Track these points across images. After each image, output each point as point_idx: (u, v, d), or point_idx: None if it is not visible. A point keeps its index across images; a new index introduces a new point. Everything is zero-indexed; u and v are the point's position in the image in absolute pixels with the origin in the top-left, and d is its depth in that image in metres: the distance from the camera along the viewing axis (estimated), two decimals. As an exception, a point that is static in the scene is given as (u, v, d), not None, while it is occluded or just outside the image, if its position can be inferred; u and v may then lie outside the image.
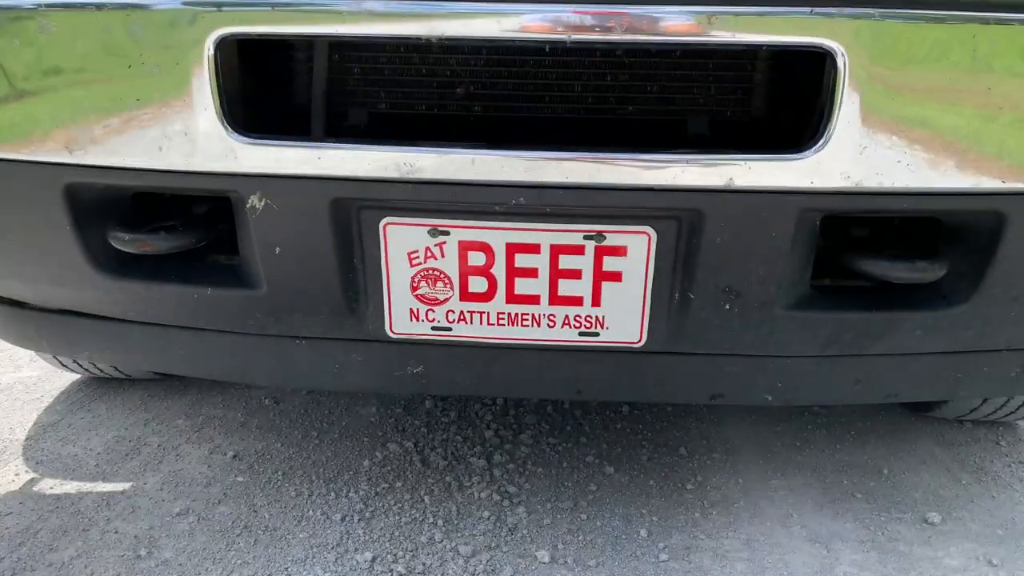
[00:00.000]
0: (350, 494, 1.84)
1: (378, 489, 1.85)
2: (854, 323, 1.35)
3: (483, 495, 1.83)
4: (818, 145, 1.16)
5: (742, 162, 1.18)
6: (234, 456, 2.01)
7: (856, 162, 1.17)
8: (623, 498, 1.85)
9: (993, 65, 1.13)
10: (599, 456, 2.03)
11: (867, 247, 1.33)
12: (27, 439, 2.11)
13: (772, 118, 1.38)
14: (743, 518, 1.80)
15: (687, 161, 1.18)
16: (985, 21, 1.11)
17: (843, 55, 1.11)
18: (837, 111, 1.14)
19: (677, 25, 1.12)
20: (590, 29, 1.12)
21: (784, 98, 1.37)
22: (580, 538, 1.69)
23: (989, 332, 1.39)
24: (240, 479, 1.90)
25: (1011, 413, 2.08)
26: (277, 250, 1.32)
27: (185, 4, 1.17)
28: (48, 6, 1.20)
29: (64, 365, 2.24)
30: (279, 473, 1.92)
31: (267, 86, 1.34)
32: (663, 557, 1.65)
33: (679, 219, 1.24)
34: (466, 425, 2.16)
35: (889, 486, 1.96)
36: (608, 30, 1.12)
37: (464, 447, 2.05)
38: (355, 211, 1.28)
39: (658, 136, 1.42)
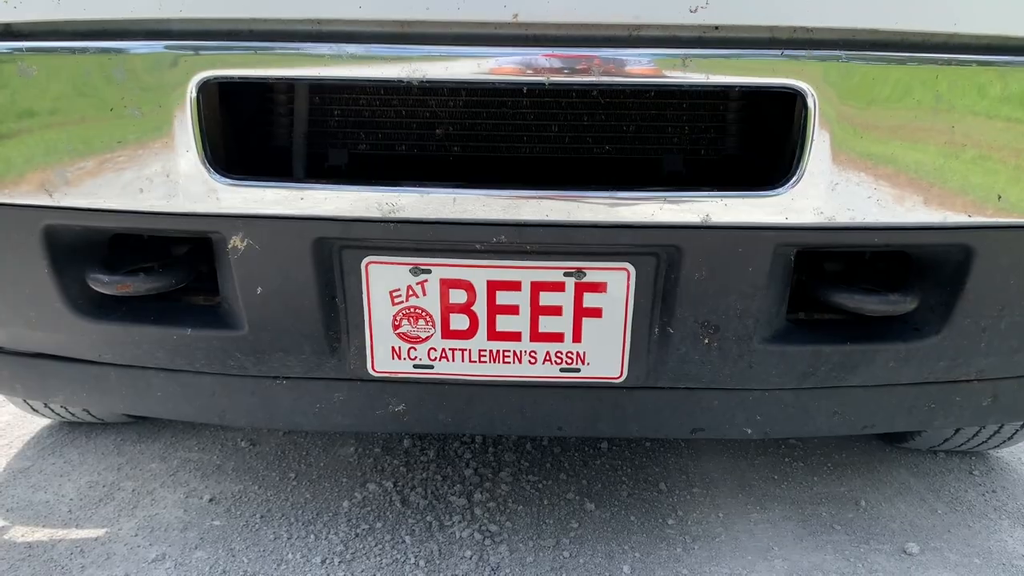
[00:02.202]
0: (330, 536, 1.82)
1: (358, 530, 1.83)
2: (830, 355, 1.37)
3: (464, 534, 1.82)
4: (791, 182, 1.19)
5: (718, 199, 1.20)
6: (210, 499, 1.98)
7: (828, 198, 1.20)
8: (605, 534, 1.85)
9: (955, 104, 1.17)
10: (579, 492, 2.03)
11: (841, 281, 1.36)
12: (-4, 486, 2.06)
13: (745, 156, 1.41)
14: (724, 552, 1.80)
15: (664, 199, 1.20)
16: (947, 63, 1.16)
17: (812, 95, 1.15)
18: (808, 149, 1.18)
19: (651, 68, 1.15)
20: (565, 72, 1.15)
21: (757, 136, 1.40)
22: (563, 576, 1.69)
23: (961, 362, 1.42)
24: (217, 523, 1.87)
25: (983, 443, 2.12)
26: (259, 290, 1.32)
27: (167, 48, 1.18)
28: (29, 50, 1.21)
29: (35, 410, 2.20)
30: (257, 516, 1.90)
31: (249, 127, 1.36)
32: (646, 593, 1.65)
33: (657, 255, 1.26)
34: (445, 464, 2.15)
35: (867, 517, 1.98)
36: (583, 72, 1.15)
37: (444, 486, 2.04)
38: (337, 251, 1.28)
39: (637, 172, 1.45)
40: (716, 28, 1.14)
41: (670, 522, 1.91)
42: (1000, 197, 1.23)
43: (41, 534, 1.83)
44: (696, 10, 1.12)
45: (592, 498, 2.00)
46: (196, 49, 1.17)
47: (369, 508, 1.93)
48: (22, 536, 1.82)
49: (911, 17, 1.14)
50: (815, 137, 1.17)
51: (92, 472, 2.13)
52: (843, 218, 1.21)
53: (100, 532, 1.83)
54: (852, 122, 1.17)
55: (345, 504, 1.95)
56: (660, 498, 2.02)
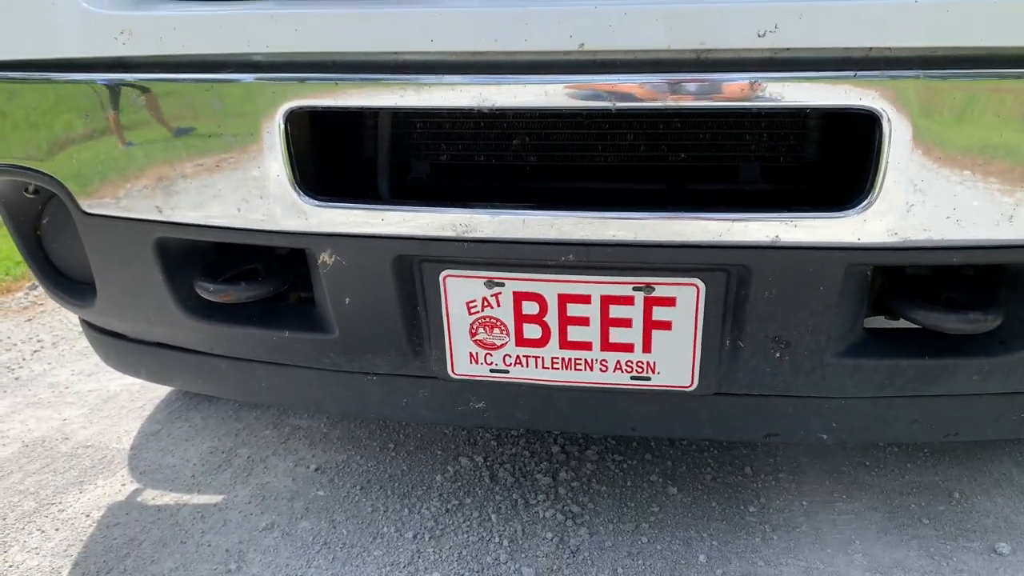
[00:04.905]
0: (422, 510, 1.94)
1: (448, 506, 1.95)
2: (908, 369, 1.35)
3: (548, 514, 1.91)
4: (864, 203, 1.17)
5: (788, 220, 1.20)
6: (316, 469, 2.14)
7: (903, 218, 1.17)
8: (684, 520, 1.90)
9: (1046, 121, 1.12)
10: (663, 475, 2.08)
11: (919, 294, 1.33)
12: (131, 448, 2.29)
13: (823, 164, 1.39)
14: (804, 544, 1.82)
15: (732, 220, 1.21)
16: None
17: (888, 116, 1.12)
18: (883, 169, 1.15)
19: (720, 92, 1.15)
20: (632, 99, 1.17)
21: (834, 146, 1.37)
22: (640, 562, 1.75)
23: (1054, 374, 1.37)
24: (321, 493, 2.03)
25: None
26: (347, 300, 1.41)
27: (257, 79, 1.26)
28: (137, 81, 1.32)
29: (163, 378, 2.41)
30: (357, 487, 2.04)
31: (335, 146, 1.43)
32: (722, 582, 1.70)
33: (727, 271, 1.27)
34: (534, 440, 2.24)
35: (959, 511, 1.94)
36: (650, 98, 1.16)
37: (531, 463, 2.13)
38: (417, 264, 1.36)
39: (714, 177, 1.45)
40: (786, 51, 1.12)
41: (751, 509, 1.94)
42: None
43: (168, 498, 2.03)
44: (764, 34, 1.11)
45: (675, 481, 2.05)
46: (283, 80, 1.25)
47: (460, 483, 2.05)
48: (152, 499, 2.03)
49: (994, 32, 1.09)
50: (890, 157, 1.14)
51: (213, 437, 2.34)
52: (919, 238, 1.19)
53: (219, 499, 2.02)
54: (930, 141, 1.13)
55: (438, 478, 2.07)
56: (744, 483, 2.05)
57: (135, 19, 1.30)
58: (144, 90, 1.32)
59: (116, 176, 1.40)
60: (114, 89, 1.34)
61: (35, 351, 3.19)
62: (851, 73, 1.12)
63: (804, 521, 1.90)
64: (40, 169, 1.47)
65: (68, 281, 1.76)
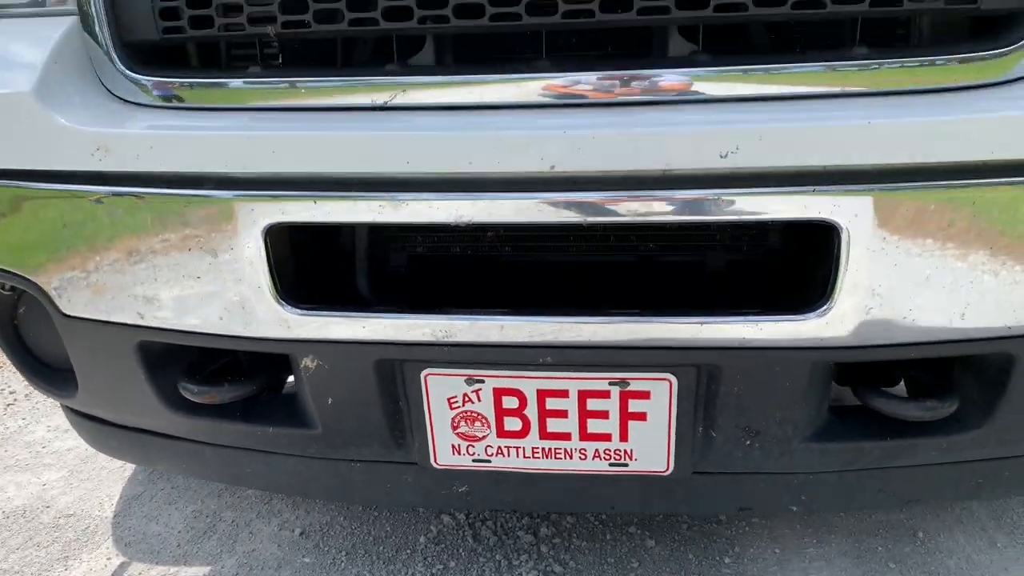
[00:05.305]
0: None
1: (434, 571, 1.99)
2: (871, 448, 1.42)
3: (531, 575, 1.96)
4: (824, 307, 1.23)
5: (753, 323, 1.26)
6: (301, 533, 2.17)
7: (862, 321, 1.24)
8: (663, 575, 1.96)
9: (990, 225, 1.18)
10: (641, 525, 2.13)
11: (881, 381, 1.40)
12: (115, 516, 2.31)
13: (788, 260, 1.45)
14: (778, 596, 1.89)
15: (700, 323, 1.26)
16: (982, 186, 1.17)
17: (844, 227, 1.18)
18: (842, 275, 1.21)
19: (683, 208, 1.20)
20: (601, 214, 1.22)
21: (797, 245, 1.44)
22: (622, 624, 1.81)
23: (1008, 444, 1.44)
24: (308, 560, 2.06)
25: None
26: (329, 400, 1.45)
27: (236, 195, 1.29)
28: (115, 193, 1.34)
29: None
30: (343, 553, 2.08)
31: (315, 248, 1.46)
32: (701, 639, 1.76)
33: (698, 368, 1.33)
34: (515, 492, 2.28)
35: (923, 551, 2.03)
36: (618, 214, 1.21)
37: (513, 519, 2.17)
38: (398, 365, 1.40)
39: (679, 267, 1.51)
40: (747, 169, 1.17)
41: (727, 560, 2.00)
42: (1043, 308, 1.24)
43: (155, 572, 2.05)
44: (727, 155, 1.16)
45: (653, 532, 2.11)
46: (262, 197, 1.28)
47: (443, 545, 2.09)
48: (139, 573, 2.05)
49: (946, 149, 1.15)
50: (848, 264, 1.20)
51: (196, 499, 2.36)
52: (879, 338, 1.25)
53: (206, 570, 2.04)
54: (885, 249, 1.19)
55: (422, 540, 2.11)
56: (719, 531, 2.11)
57: (111, 136, 1.32)
58: (121, 202, 1.34)
59: (96, 284, 1.42)
60: (91, 201, 1.36)
61: (8, 404, 3.17)
62: (809, 188, 1.17)
63: (777, 571, 1.97)
64: (17, 272, 1.49)
65: (48, 369, 1.77)
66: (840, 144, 1.15)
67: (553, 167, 1.19)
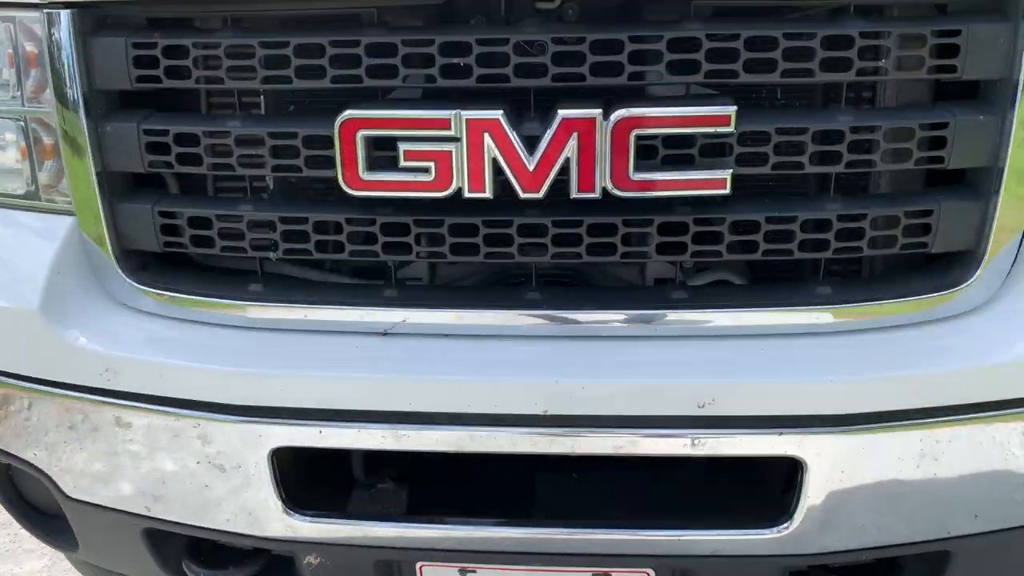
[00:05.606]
0: None
1: None
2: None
3: None
4: (787, 524, 1.37)
5: (723, 536, 1.39)
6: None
7: (822, 534, 1.38)
8: None
9: (937, 455, 1.33)
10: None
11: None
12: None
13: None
14: None
15: (676, 537, 1.39)
16: (930, 424, 1.31)
17: (806, 460, 1.31)
18: (804, 497, 1.34)
19: (663, 446, 1.33)
20: (592, 447, 1.34)
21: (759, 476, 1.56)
22: None
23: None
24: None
25: None
26: (331, 589, 1.55)
27: (244, 421, 1.37)
28: (127, 407, 1.41)
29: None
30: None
31: (320, 465, 1.53)
32: None
33: (674, 569, 1.46)
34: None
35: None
36: (611, 447, 1.34)
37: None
38: (396, 561, 1.50)
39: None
40: (722, 416, 1.30)
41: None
42: (976, 516, 1.40)
43: None
44: (703, 405, 1.28)
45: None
46: (270, 423, 1.36)
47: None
48: None
49: (887, 400, 1.29)
50: (809, 490, 1.34)
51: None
52: (838, 547, 1.39)
53: None
54: (841, 477, 1.33)
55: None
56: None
57: (120, 360, 1.39)
58: (129, 416, 1.41)
59: (103, 479, 1.49)
60: (98, 411, 1.42)
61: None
62: (776, 431, 1.30)
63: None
64: (22, 457, 1.54)
65: (46, 518, 1.81)
66: (803, 397, 1.29)
67: (546, 411, 1.30)
